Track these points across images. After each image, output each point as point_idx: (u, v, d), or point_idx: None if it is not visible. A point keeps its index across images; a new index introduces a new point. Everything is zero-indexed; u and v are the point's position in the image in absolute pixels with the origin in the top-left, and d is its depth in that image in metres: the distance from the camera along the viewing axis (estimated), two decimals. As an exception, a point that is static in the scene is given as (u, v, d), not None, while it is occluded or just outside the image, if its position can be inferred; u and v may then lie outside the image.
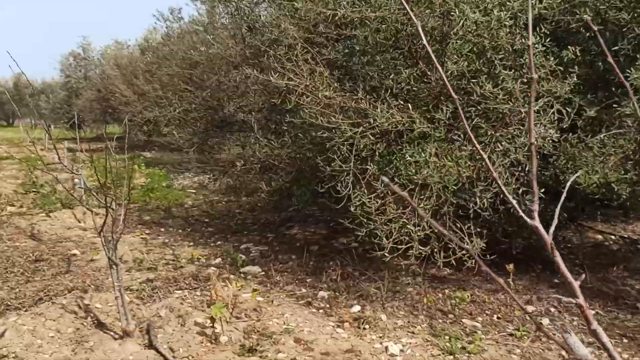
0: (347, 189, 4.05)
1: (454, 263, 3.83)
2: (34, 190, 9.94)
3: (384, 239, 3.83)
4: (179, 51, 13.54)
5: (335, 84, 4.28)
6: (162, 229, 7.20)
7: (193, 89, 6.96)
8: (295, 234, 6.80)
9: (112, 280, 4.96)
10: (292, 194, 5.76)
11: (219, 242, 6.40)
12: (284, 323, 3.87)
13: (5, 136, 26.74)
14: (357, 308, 4.09)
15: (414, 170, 3.85)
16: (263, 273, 5.12)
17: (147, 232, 7.05)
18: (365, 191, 3.96)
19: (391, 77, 4.14)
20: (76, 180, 10.89)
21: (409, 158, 3.82)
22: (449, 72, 3.82)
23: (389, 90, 4.14)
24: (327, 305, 4.22)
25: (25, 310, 4.05)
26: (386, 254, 3.81)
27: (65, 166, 3.86)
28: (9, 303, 4.27)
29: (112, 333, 3.77)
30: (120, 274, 3.82)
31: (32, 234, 6.70)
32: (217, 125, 6.54)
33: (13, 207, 8.24)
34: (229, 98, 6.59)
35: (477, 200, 3.78)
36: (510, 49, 3.97)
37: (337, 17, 4.39)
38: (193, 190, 10.55)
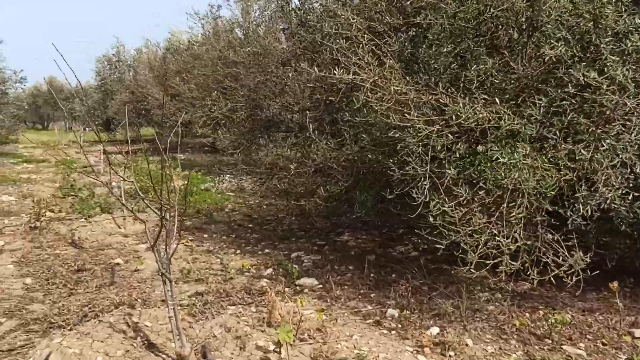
0: (423, 195, 3.59)
1: (553, 280, 3.33)
2: (72, 194, 9.73)
3: (470, 252, 3.36)
4: (215, 50, 13.26)
5: (407, 78, 3.82)
6: (205, 235, 6.84)
7: (236, 87, 6.56)
8: (347, 241, 6.36)
9: (160, 294, 4.62)
10: (348, 199, 5.33)
11: (267, 250, 6.00)
12: (354, 347, 3.43)
13: (40, 139, 26.97)
14: (435, 330, 3.62)
15: (503, 174, 3.37)
16: (320, 286, 4.69)
17: (190, 238, 6.70)
18: (446, 198, 3.49)
19: (473, 68, 3.66)
20: (113, 183, 10.67)
21: (498, 159, 3.34)
22: (547, 58, 3.32)
23: (471, 83, 3.67)
24: (399, 326, 3.77)
25: (70, 329, 3.70)
26: (472, 270, 3.33)
27: (118, 175, 3.49)
28: (52, 320, 3.94)
29: (164, 356, 3.39)
30: (173, 291, 3.44)
31: (73, 240, 6.41)
32: (264, 126, 6.15)
33: (52, 212, 7.99)
34: (275, 96, 6.21)
35: (580, 207, 3.27)
36: (611, 32, 3.45)
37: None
38: (231, 193, 10.22)
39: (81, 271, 5.24)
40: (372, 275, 4.88)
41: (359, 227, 6.92)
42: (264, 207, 8.83)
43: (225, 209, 8.63)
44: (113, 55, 24.70)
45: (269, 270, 5.17)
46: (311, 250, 5.91)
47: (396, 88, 3.66)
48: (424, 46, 4.29)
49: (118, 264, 5.48)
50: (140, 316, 3.94)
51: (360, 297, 4.39)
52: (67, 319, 3.97)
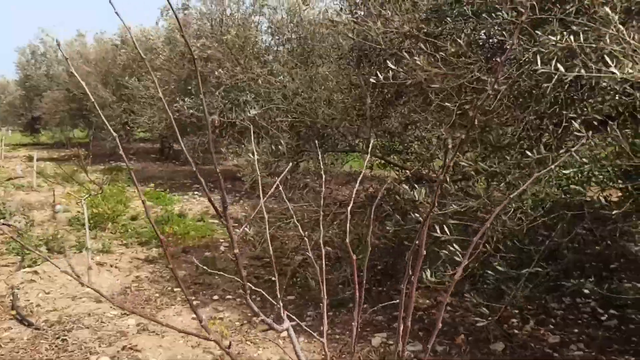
0: None
1: None
2: (1, 221, 7.30)
3: None
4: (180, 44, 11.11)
5: None
6: (215, 296, 4.82)
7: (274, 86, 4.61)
8: (427, 306, 4.53)
9: None
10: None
11: (337, 333, 4.03)
12: None
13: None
14: None
15: None
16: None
17: (192, 299, 4.68)
18: None
19: None
20: (57, 207, 8.28)
21: None
22: None
23: None
24: None
25: None
26: None
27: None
28: None
29: None
30: None
31: (17, 311, 4.21)
32: (316, 139, 4.25)
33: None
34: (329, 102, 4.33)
35: None
36: None
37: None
38: (214, 220, 8.10)
39: (44, 385, 3.14)
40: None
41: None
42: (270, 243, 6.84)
43: (220, 246, 6.57)
44: (37, 47, 21.53)
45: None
46: (387, 328, 4.05)
47: None
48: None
49: (107, 366, 3.40)
50: None
51: None
52: None
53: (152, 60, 12.66)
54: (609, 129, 2.24)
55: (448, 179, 3.30)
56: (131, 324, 4.11)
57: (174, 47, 11.77)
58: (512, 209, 2.96)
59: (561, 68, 2.10)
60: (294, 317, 1.97)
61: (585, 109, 2.64)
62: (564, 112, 2.81)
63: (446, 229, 2.98)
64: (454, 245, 2.92)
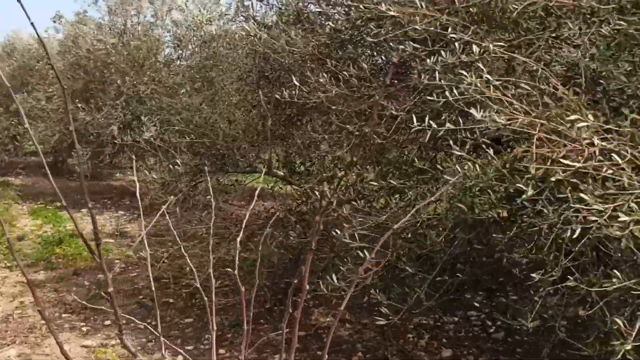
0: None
1: None
2: None
3: None
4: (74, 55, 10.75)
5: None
6: (107, 321, 4.57)
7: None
8: (319, 322, 4.56)
9: None
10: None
11: (235, 356, 3.93)
12: None
13: None
14: None
15: None
16: None
17: (82, 326, 4.42)
18: None
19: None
20: None
21: None
22: None
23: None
24: None
25: None
26: None
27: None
28: None
29: None
30: None
31: None
32: (216, 161, 4.19)
33: None
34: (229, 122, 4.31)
35: None
36: None
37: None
38: (110, 240, 7.71)
39: None
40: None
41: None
42: (165, 262, 6.60)
43: (115, 267, 6.24)
44: None
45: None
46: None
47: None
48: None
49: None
50: None
51: None
52: None
53: (44, 68, 12.03)
54: (487, 154, 2.40)
55: (355, 196, 3.37)
56: (12, 355, 3.79)
57: (67, 56, 11.19)
58: (420, 221, 3.08)
59: (433, 125, 2.27)
60: (180, 350, 1.90)
61: (474, 134, 2.81)
62: (458, 135, 2.98)
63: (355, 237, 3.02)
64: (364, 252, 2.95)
